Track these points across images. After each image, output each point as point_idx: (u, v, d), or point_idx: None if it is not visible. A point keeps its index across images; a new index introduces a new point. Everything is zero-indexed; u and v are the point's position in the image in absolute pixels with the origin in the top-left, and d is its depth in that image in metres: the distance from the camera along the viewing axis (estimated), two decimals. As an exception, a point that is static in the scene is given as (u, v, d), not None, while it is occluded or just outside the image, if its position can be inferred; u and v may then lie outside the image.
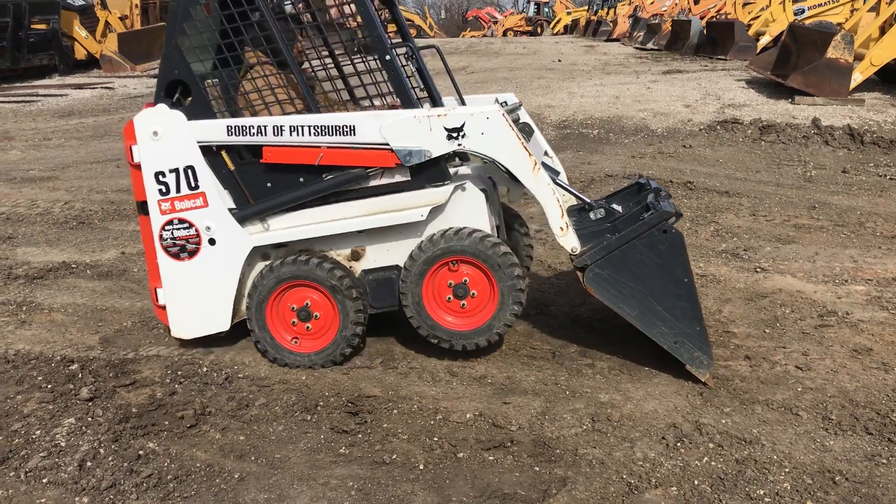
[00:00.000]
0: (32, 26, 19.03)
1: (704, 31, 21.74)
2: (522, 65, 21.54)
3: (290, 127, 3.95)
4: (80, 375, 4.07)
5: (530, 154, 3.92)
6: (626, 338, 4.49)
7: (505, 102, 4.62)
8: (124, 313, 4.94)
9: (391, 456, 3.38)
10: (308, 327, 4.16)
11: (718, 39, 20.40)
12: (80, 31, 20.96)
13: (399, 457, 3.37)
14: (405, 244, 4.13)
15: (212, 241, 4.13)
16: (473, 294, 4.07)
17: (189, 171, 4.07)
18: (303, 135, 3.95)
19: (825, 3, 18.26)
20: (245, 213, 4.12)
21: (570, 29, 44.83)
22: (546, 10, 53.71)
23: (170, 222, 4.12)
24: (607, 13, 39.60)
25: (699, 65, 18.99)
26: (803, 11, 17.87)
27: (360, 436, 3.54)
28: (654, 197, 4.11)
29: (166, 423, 3.64)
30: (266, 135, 3.98)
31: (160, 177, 4.08)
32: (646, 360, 4.23)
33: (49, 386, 3.97)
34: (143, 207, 4.18)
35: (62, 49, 19.95)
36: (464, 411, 3.71)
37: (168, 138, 4.03)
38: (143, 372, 4.13)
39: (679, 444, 3.42)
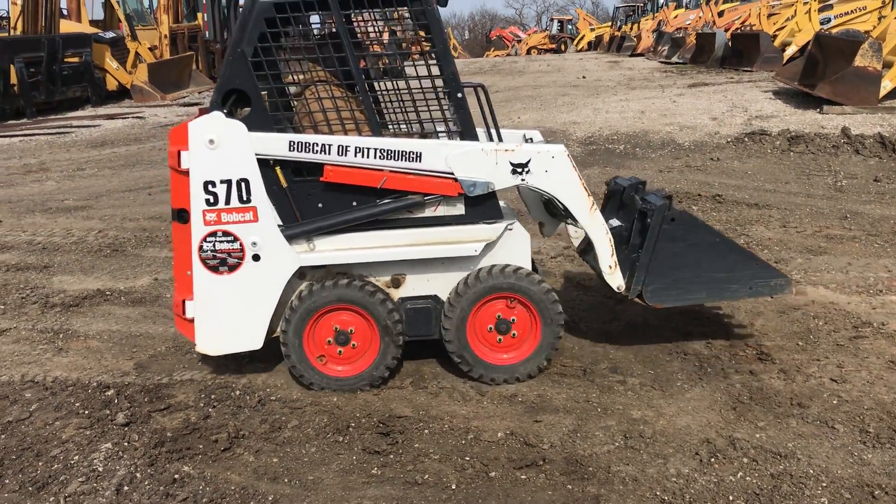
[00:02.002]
0: (66, 60, 19.44)
1: (729, 44, 21.63)
2: (547, 82, 21.58)
3: (356, 148, 3.96)
4: (115, 401, 4.14)
5: (589, 194, 4.11)
6: (658, 353, 4.47)
7: (531, 139, 4.64)
8: (158, 339, 5.01)
9: (423, 476, 3.38)
10: (340, 351, 4.17)
11: (744, 51, 20.29)
12: (111, 63, 21.38)
13: (431, 477, 3.38)
14: (448, 276, 4.19)
15: (256, 257, 4.02)
16: (514, 334, 4.21)
17: (242, 184, 3.96)
18: (367, 157, 3.97)
19: (852, 11, 18.11)
20: (294, 231, 4.05)
21: (593, 45, 44.83)
22: (569, 27, 53.80)
23: (213, 234, 3.99)
24: (631, 28, 39.57)
25: (725, 77, 18.89)
26: (829, 20, 17.74)
27: (391, 456, 3.55)
28: (639, 197, 4.36)
29: (201, 446, 3.68)
30: (329, 153, 3.97)
31: (209, 186, 3.96)
32: (678, 375, 4.20)
33: (86, 412, 4.04)
34: (180, 215, 4.03)
35: (94, 81, 20.35)
36: (495, 430, 3.71)
37: (225, 148, 3.92)
38: (177, 396, 4.18)
39: (713, 460, 3.39)
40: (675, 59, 25.44)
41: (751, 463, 3.36)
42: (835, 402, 3.85)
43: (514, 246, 4.20)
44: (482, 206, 4.10)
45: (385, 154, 3.97)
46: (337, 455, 3.59)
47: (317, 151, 3.96)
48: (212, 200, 3.97)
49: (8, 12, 19.93)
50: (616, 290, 4.21)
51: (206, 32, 25.11)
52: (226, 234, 4.00)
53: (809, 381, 4.08)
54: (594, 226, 4.14)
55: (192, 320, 4.10)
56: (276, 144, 3.96)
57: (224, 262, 4.03)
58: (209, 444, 3.70)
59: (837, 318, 4.87)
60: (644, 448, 3.52)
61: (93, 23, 24.99)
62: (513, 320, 4.18)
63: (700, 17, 27.96)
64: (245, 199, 3.98)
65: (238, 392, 4.20)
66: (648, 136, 11.60)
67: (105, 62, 21.25)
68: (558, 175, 4.05)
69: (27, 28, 18.67)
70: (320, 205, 4.06)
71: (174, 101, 20.39)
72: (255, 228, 4.01)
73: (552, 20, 60.23)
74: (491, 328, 4.19)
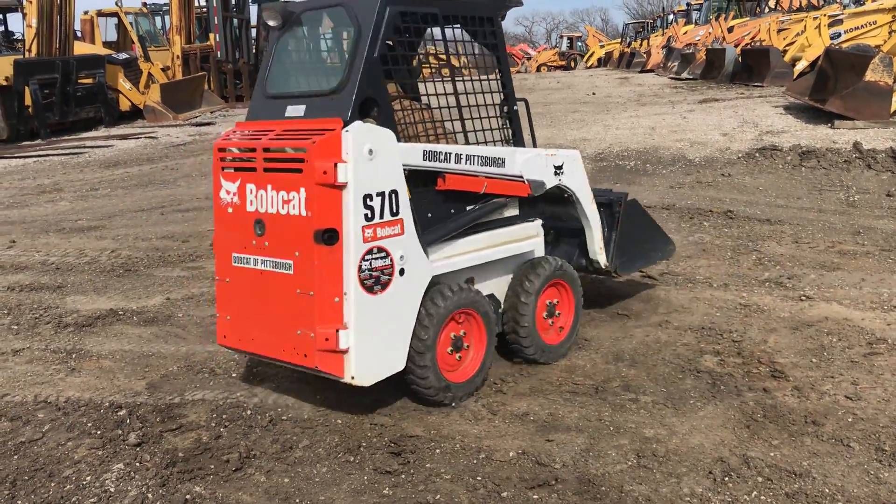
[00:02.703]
0: (80, 81, 19.66)
1: (739, 59, 21.64)
2: (557, 99, 21.64)
3: (466, 156, 4.15)
4: (128, 421, 4.15)
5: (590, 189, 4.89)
6: (670, 371, 4.45)
7: None
8: (170, 358, 5.02)
9: (435, 496, 3.37)
10: (459, 357, 4.19)
11: (754, 66, 20.29)
12: (124, 84, 21.60)
13: (443, 497, 3.36)
14: (501, 274, 4.55)
15: (402, 272, 3.81)
16: (559, 314, 4.75)
17: (393, 196, 3.76)
18: (473, 164, 4.19)
19: (862, 25, 18.08)
20: (426, 240, 4.00)
21: (603, 62, 44.96)
22: (579, 44, 54.00)
23: (370, 251, 3.67)
24: (641, 44, 39.65)
25: (735, 93, 18.88)
26: (840, 35, 17.69)
27: (403, 476, 3.53)
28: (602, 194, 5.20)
29: (212, 466, 3.68)
30: (450, 162, 4.07)
31: (368, 200, 3.65)
32: (691, 393, 4.18)
33: (98, 432, 4.05)
34: (328, 236, 3.62)
35: (108, 101, 20.56)
36: (506, 450, 3.69)
37: (382, 158, 3.70)
38: (188, 416, 4.19)
39: (727, 479, 3.36)
40: (685, 74, 25.46)
41: (765, 482, 3.32)
42: (850, 419, 3.81)
43: (538, 238, 4.72)
44: (528, 206, 4.62)
45: (484, 161, 4.25)
46: (348, 475, 3.58)
47: (442, 160, 4.07)
48: (369, 215, 3.67)
49: (23, 34, 20.17)
50: (603, 267, 5.02)
51: (218, 53, 25.34)
52: (380, 249, 3.72)
53: (824, 398, 4.04)
54: (594, 214, 4.90)
55: (345, 351, 3.68)
56: (415, 154, 3.96)
57: (378, 280, 3.73)
58: (220, 464, 3.70)
59: (851, 334, 4.83)
60: (657, 467, 3.49)
61: (106, 44, 25.32)
62: (556, 302, 4.71)
63: (710, 33, 27.99)
64: (395, 211, 3.78)
65: (249, 412, 4.20)
66: (659, 153, 11.59)
67: (118, 83, 21.48)
68: (578, 174, 4.76)
69: (42, 50, 18.91)
70: (430, 214, 4.11)
71: (186, 121, 20.56)
72: (402, 242, 3.82)
73: (562, 37, 60.49)
74: (545, 314, 4.63)
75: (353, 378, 3.73)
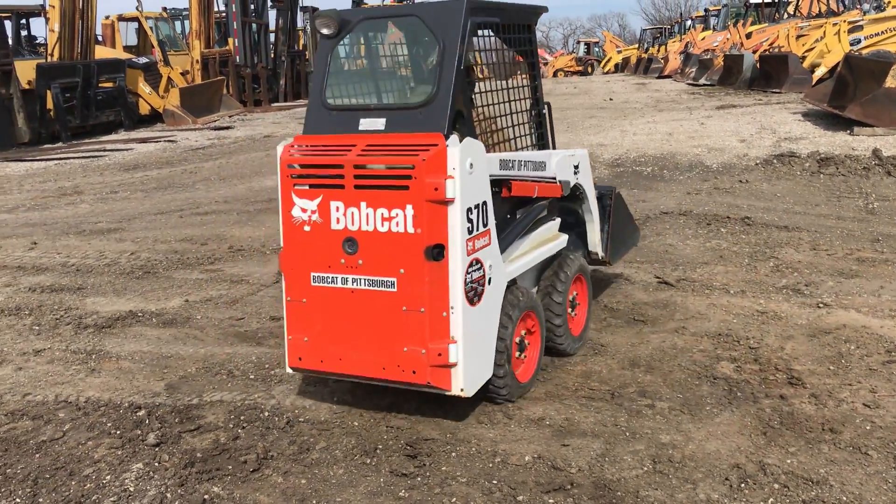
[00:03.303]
0: (100, 85, 19.88)
1: (757, 65, 21.57)
2: (574, 104, 21.62)
3: (525, 162, 4.30)
4: (146, 421, 4.19)
5: None
6: (686, 377, 4.44)
7: None
8: (188, 360, 5.07)
9: (451, 499, 3.38)
10: (524, 357, 4.28)
11: (772, 73, 20.22)
12: (144, 88, 21.80)
13: (459, 500, 3.37)
14: (531, 273, 4.64)
15: (489, 281, 3.86)
16: (578, 304, 4.97)
17: (484, 207, 3.80)
18: (528, 169, 4.34)
19: (882, 31, 17.97)
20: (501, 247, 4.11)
21: (620, 67, 44.90)
22: (596, 49, 53.95)
23: (471, 264, 3.70)
24: (658, 50, 39.56)
25: (753, 99, 18.81)
26: (859, 41, 17.61)
27: (419, 479, 3.55)
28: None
29: (230, 467, 3.72)
30: (516, 169, 4.19)
31: (469, 214, 3.66)
32: (707, 399, 4.17)
33: (118, 432, 4.09)
34: (437, 252, 3.62)
35: (128, 105, 20.76)
36: (522, 454, 3.70)
37: (478, 171, 3.72)
38: (207, 417, 4.22)
39: (743, 486, 3.35)
40: (702, 80, 25.40)
41: (782, 489, 3.32)
42: (868, 427, 3.79)
43: (564, 236, 4.94)
44: (553, 205, 4.80)
45: (535, 165, 4.42)
46: (364, 477, 3.60)
47: (511, 167, 4.17)
48: (470, 228, 3.69)
49: (46, 39, 20.41)
50: (601, 257, 5.35)
51: (237, 57, 25.54)
52: (477, 261, 3.75)
53: (841, 406, 4.03)
54: (595, 208, 5.21)
55: (454, 364, 3.70)
56: (493, 164, 3.97)
57: (476, 291, 3.77)
58: (238, 464, 3.73)
59: (870, 342, 4.80)
60: (673, 473, 3.49)
61: (126, 48, 25.58)
62: (576, 294, 4.90)
63: (728, 39, 27.92)
64: (485, 222, 3.82)
65: (267, 413, 4.23)
66: (676, 158, 11.57)
67: (138, 87, 21.68)
68: (588, 171, 5.07)
69: (64, 54, 19.12)
70: (495, 221, 4.16)
71: (205, 125, 20.71)
72: (490, 252, 3.87)
73: (578, 43, 60.44)
74: (569, 308, 4.78)
75: (462, 390, 3.75)
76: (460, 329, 3.67)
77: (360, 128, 3.92)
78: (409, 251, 3.63)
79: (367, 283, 3.76)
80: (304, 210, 3.85)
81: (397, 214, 3.62)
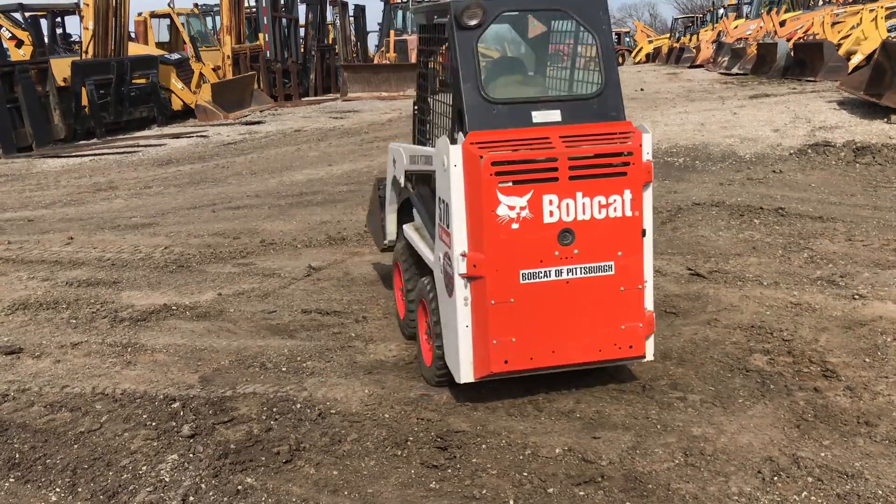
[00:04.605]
0: (133, 81, 20.10)
1: (791, 54, 21.20)
2: (604, 96, 21.41)
3: None
4: (181, 413, 4.26)
5: None
6: (719, 370, 4.41)
7: None
8: (222, 352, 5.14)
9: (481, 491, 3.40)
10: None
11: (807, 61, 19.86)
12: (176, 84, 22.00)
13: (489, 492, 3.39)
14: None
15: None
16: None
17: None
18: None
19: (920, 17, 17.60)
20: None
21: (651, 57, 44.40)
22: (627, 39, 53.41)
23: None
24: (690, 39, 39.11)
25: (787, 88, 18.52)
26: (897, 28, 17.26)
27: (449, 471, 3.57)
28: None
29: (263, 458, 3.76)
30: None
31: None
32: (739, 392, 4.14)
33: (153, 423, 4.16)
34: (644, 231, 3.99)
35: (160, 101, 20.96)
36: (553, 446, 3.70)
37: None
38: (240, 409, 4.28)
39: (776, 479, 3.33)
40: (735, 70, 25.04)
41: (815, 482, 3.28)
42: (904, 420, 3.74)
43: None
44: None
45: None
46: (395, 469, 3.63)
47: None
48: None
49: (80, 36, 20.68)
50: None
51: (268, 52, 25.68)
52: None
53: (877, 398, 3.97)
54: None
55: (653, 332, 4.11)
56: None
57: None
58: (271, 456, 3.78)
59: (907, 334, 4.73)
60: (705, 466, 3.47)
61: (159, 45, 25.82)
62: None
63: (761, 28, 27.48)
64: None
65: (299, 405, 4.28)
66: (709, 149, 11.44)
67: (171, 83, 21.89)
68: None
69: (98, 51, 19.36)
70: None
71: (237, 120, 20.87)
72: None
73: (609, 33, 59.72)
74: None
75: (653, 357, 4.12)
76: (650, 299, 3.99)
77: (535, 120, 3.93)
78: (627, 234, 3.84)
79: (583, 270, 3.85)
80: (511, 207, 3.73)
81: (615, 200, 3.79)
